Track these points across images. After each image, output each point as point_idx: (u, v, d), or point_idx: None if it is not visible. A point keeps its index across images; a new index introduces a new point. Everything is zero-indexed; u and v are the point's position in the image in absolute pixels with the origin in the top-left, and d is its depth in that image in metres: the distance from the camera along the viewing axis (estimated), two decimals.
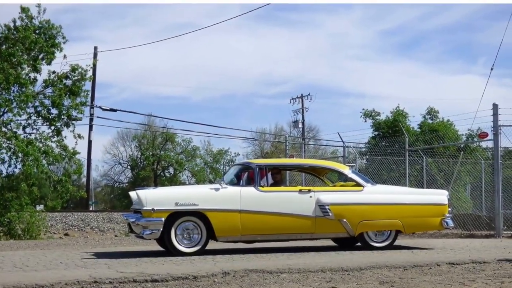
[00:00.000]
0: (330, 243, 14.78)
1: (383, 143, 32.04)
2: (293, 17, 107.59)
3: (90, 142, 42.07)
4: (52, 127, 25.21)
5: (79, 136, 25.73)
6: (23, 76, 24.45)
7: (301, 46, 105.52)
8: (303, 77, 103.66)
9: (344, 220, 13.04)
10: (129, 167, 73.51)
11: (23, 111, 24.60)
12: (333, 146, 41.96)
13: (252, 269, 9.64)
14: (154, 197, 12.38)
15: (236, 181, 13.35)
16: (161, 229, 12.10)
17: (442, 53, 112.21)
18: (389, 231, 13.53)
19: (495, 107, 17.96)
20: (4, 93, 24.36)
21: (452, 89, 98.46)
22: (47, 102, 25.20)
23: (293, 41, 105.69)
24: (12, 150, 24.27)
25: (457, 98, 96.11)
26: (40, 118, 25.24)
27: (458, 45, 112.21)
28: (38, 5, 24.77)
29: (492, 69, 22.72)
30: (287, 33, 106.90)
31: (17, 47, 24.27)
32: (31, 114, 25.12)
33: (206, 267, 9.99)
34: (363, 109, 39.17)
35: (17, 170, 25.09)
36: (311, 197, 13.06)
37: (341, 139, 26.29)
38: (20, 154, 24.12)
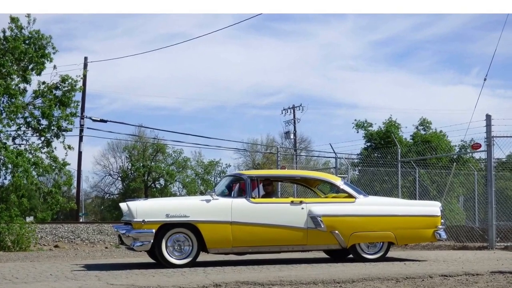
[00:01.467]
0: (322, 255, 14.75)
1: (376, 154, 32.08)
2: (285, 28, 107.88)
3: (80, 153, 42.00)
4: (42, 138, 25.00)
5: (69, 147, 25.51)
6: (13, 87, 24.25)
7: (292, 56, 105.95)
8: (294, 87, 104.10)
9: (336, 231, 12.99)
10: (119, 178, 73.39)
11: (12, 122, 24.38)
12: (325, 157, 42.12)
13: (244, 281, 9.60)
14: (145, 209, 12.30)
15: (228, 193, 13.30)
16: (152, 241, 12.03)
17: (434, 63, 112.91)
18: (381, 243, 13.48)
19: (488, 118, 17.95)
20: None
21: (445, 99, 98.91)
22: (37, 113, 24.99)
23: (285, 52, 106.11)
24: (1, 161, 24.09)
25: (450, 108, 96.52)
26: (30, 129, 25.05)
27: (451, 55, 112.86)
28: (28, 15, 24.59)
29: (485, 79, 22.64)
30: (279, 43, 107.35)
31: (7, 58, 24.09)
32: (21, 125, 24.91)
33: (197, 279, 9.93)
34: (355, 120, 39.35)
35: (6, 182, 24.90)
36: (302, 208, 13.00)
37: (333, 150, 26.28)
38: (9, 165, 23.91)
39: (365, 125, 38.67)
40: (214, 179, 72.63)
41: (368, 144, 37.70)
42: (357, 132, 38.86)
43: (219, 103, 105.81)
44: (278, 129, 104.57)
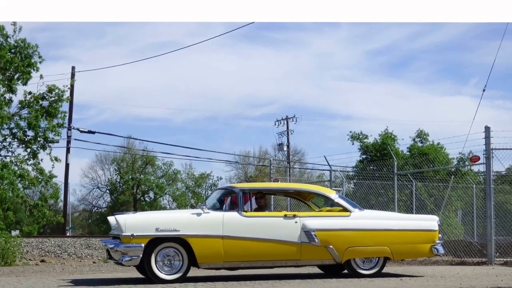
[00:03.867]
0: (317, 270, 14.52)
1: (371, 167, 32.00)
2: (278, 36, 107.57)
3: (67, 165, 41.70)
4: (28, 150, 24.84)
5: (56, 159, 25.32)
6: None
7: (286, 66, 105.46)
8: (288, 98, 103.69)
9: (331, 246, 12.81)
10: (107, 191, 73.23)
11: None
12: (319, 170, 41.94)
13: None
14: (134, 222, 12.11)
15: (219, 206, 13.11)
16: (141, 256, 11.85)
17: (432, 73, 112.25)
18: (377, 258, 13.32)
19: (487, 129, 17.78)
20: None
21: (442, 111, 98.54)
22: (23, 123, 24.87)
23: (278, 61, 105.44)
24: None
25: (448, 120, 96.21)
26: (15, 140, 24.90)
27: (449, 65, 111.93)
28: (14, 23, 24.42)
29: (484, 90, 22.65)
30: (272, 52, 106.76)
31: None
32: (6, 136, 24.77)
33: None
34: (350, 132, 39.38)
35: None
36: (296, 222, 12.83)
37: (328, 162, 26.11)
38: None
39: (361, 137, 38.72)
40: (205, 192, 72.69)
41: (364, 156, 37.75)
42: (352, 144, 39.02)
43: (211, 113, 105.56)
44: (271, 141, 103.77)
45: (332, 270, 13.94)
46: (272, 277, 12.98)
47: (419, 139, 38.55)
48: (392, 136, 37.69)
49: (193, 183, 73.76)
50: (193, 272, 12.89)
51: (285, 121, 64.54)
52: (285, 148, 63.40)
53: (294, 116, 64.67)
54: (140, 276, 12.91)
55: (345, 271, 13.45)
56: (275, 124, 65.60)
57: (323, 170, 36.18)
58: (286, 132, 64.11)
